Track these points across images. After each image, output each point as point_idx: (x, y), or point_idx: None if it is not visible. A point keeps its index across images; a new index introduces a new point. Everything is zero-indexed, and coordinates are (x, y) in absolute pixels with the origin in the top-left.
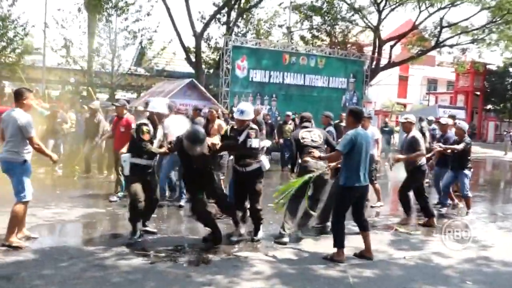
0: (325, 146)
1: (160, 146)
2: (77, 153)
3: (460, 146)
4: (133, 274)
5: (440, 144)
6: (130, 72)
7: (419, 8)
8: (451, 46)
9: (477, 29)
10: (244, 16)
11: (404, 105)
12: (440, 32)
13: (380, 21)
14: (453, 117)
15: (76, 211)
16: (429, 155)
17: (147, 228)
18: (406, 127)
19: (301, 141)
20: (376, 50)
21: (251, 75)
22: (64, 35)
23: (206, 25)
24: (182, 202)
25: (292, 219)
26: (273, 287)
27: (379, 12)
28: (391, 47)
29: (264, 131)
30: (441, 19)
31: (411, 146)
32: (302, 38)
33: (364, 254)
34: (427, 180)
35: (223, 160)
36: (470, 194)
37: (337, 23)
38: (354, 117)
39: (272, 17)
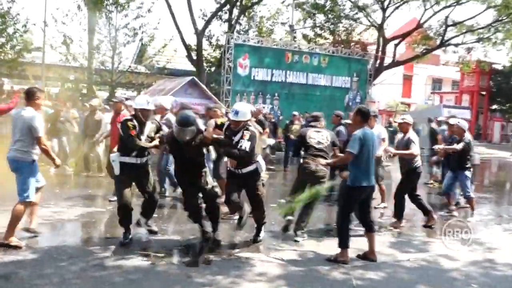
0: (332, 147)
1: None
2: (77, 151)
3: (460, 146)
4: (133, 274)
5: (440, 146)
6: (130, 69)
7: (424, 6)
8: (456, 45)
9: (482, 28)
10: (246, 13)
11: (409, 105)
12: (445, 30)
13: (384, 19)
14: (453, 117)
15: (75, 210)
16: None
17: (151, 228)
18: (403, 127)
19: (307, 140)
20: (380, 49)
21: (253, 73)
22: (63, 32)
23: (208, 22)
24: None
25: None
26: None
27: (383, 10)
28: (396, 45)
29: (267, 129)
30: (446, 17)
31: (406, 147)
32: (305, 36)
33: (368, 256)
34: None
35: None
36: (472, 195)
37: (340, 21)
38: (362, 116)
39: (275, 15)
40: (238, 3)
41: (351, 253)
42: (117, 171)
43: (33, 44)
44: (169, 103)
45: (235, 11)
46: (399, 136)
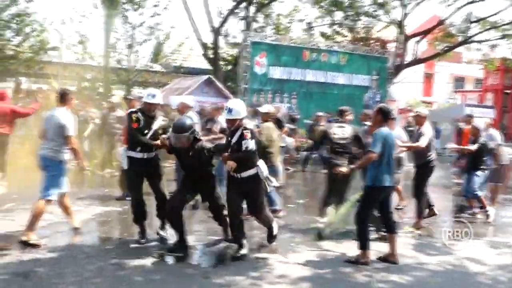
0: (358, 143)
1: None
2: (95, 151)
3: (474, 146)
4: (150, 274)
5: (453, 145)
6: (146, 68)
7: (446, 2)
8: (479, 42)
9: (507, 24)
10: (263, 11)
11: (430, 104)
12: (468, 27)
13: (404, 16)
14: (470, 116)
15: (93, 209)
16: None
17: (161, 233)
18: (417, 121)
19: (331, 136)
20: (401, 47)
21: (270, 71)
22: (80, 31)
23: (224, 20)
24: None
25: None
26: None
27: (404, 6)
28: (416, 43)
29: (286, 129)
30: (469, 13)
31: (417, 140)
32: (323, 34)
33: (389, 258)
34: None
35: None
36: (480, 192)
37: (359, 18)
38: (383, 115)
39: (292, 12)
40: (254, 0)
41: (371, 255)
42: (125, 165)
43: (50, 43)
44: (192, 101)
45: (252, 9)
46: (415, 129)
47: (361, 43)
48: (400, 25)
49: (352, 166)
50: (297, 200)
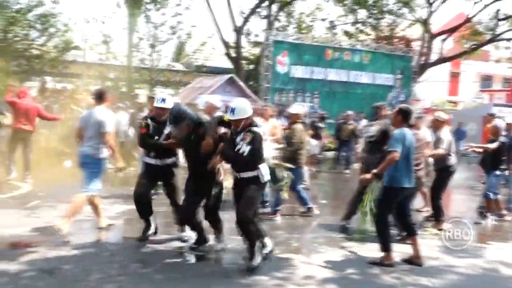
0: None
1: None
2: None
3: (493, 145)
4: (173, 272)
5: (471, 144)
6: (169, 67)
7: None
8: (508, 40)
9: None
10: (285, 9)
11: (456, 103)
12: (496, 25)
13: (430, 14)
14: (492, 115)
15: (116, 207)
16: None
17: (181, 234)
18: (436, 125)
19: (362, 135)
20: (426, 45)
21: (292, 71)
22: (103, 31)
23: (246, 19)
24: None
25: None
26: None
27: (429, 4)
28: (442, 41)
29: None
30: (498, 11)
31: (435, 144)
32: (346, 32)
33: (413, 260)
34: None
35: None
36: (492, 195)
37: (383, 16)
38: (403, 116)
39: (314, 11)
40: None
41: (396, 256)
42: (140, 170)
43: (74, 43)
44: (218, 102)
45: (274, 8)
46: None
47: (385, 41)
48: (425, 23)
49: (374, 171)
50: (321, 201)
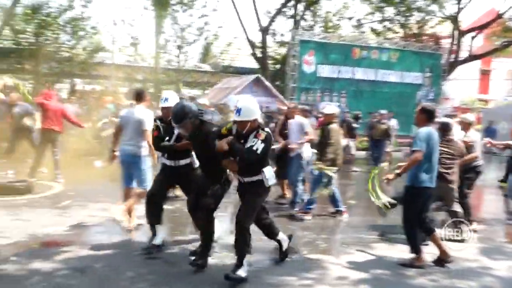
0: None
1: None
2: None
3: None
4: (202, 271)
5: (489, 139)
6: (195, 68)
7: None
8: None
9: None
10: (312, 8)
11: (486, 101)
12: None
13: (459, 10)
14: None
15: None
16: None
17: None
18: (463, 127)
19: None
20: (455, 42)
21: (319, 70)
22: (131, 33)
23: (272, 19)
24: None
25: None
26: None
27: (458, 1)
28: (472, 38)
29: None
30: None
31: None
32: (373, 30)
33: (442, 257)
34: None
35: None
36: None
37: (411, 13)
38: (427, 115)
39: (341, 10)
40: None
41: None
42: (159, 170)
43: (103, 45)
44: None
45: (300, 7)
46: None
47: (414, 39)
48: (454, 20)
49: (397, 171)
50: (349, 201)
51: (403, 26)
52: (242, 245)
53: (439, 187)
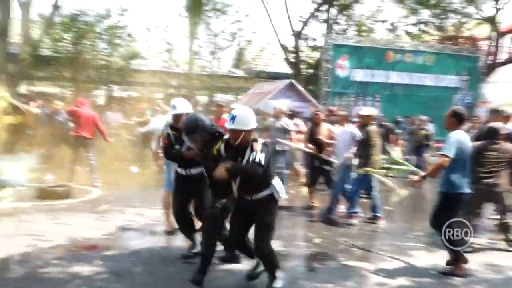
0: None
1: None
2: None
3: None
4: (238, 276)
5: None
6: (229, 73)
7: None
8: None
9: None
10: (345, 12)
11: None
12: None
13: (497, 11)
14: None
15: None
16: None
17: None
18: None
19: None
20: (494, 44)
21: (352, 74)
22: (165, 39)
23: (305, 23)
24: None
25: None
26: None
27: (496, 1)
28: None
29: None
30: None
31: None
32: (408, 33)
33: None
34: None
35: None
36: None
37: (447, 16)
38: (457, 118)
39: (375, 13)
40: (336, 3)
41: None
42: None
43: (138, 52)
44: (286, 106)
45: (333, 11)
46: None
47: (450, 42)
48: (492, 21)
49: (422, 173)
50: (386, 207)
51: (439, 28)
52: (270, 264)
53: (487, 192)
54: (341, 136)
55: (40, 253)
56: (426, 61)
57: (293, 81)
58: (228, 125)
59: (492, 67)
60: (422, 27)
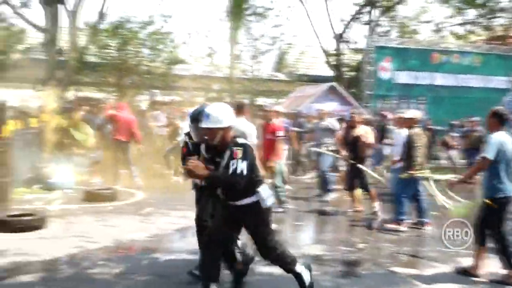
0: None
1: None
2: None
3: None
4: (278, 281)
5: None
6: (270, 77)
7: None
8: None
9: None
10: (388, 14)
11: None
12: None
13: None
14: None
15: None
16: None
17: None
18: None
19: None
20: None
21: (396, 76)
22: (207, 44)
23: (347, 26)
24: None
25: None
26: None
27: None
28: None
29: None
30: None
31: None
32: (454, 34)
33: (468, 270)
34: None
35: None
36: None
37: (495, 15)
38: (499, 119)
39: (419, 14)
40: (378, 5)
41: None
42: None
43: (180, 57)
44: (330, 108)
45: (375, 13)
46: None
47: (499, 42)
48: None
49: (461, 177)
50: (432, 212)
51: (486, 28)
52: (286, 265)
53: None
54: (400, 138)
55: (87, 254)
56: (473, 62)
57: (334, 84)
58: (202, 124)
59: None
60: (469, 27)
